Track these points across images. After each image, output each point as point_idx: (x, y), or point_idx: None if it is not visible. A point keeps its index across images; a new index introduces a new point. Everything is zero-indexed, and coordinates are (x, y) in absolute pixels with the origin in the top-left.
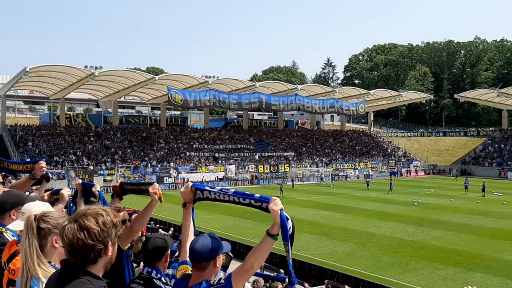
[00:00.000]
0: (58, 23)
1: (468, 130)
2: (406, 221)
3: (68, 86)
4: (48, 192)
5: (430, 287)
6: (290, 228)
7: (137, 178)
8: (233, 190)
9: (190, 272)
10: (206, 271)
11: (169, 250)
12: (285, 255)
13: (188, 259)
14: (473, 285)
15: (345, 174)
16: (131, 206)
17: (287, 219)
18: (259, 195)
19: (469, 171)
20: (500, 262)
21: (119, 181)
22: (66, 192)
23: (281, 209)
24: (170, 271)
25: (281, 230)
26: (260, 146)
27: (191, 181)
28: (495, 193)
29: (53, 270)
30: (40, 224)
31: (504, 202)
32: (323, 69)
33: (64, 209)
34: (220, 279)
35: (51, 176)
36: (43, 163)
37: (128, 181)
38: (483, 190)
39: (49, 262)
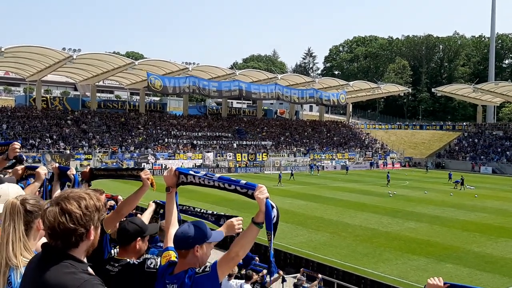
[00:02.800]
0: (36, 3)
1: (444, 124)
2: (381, 212)
3: (45, 68)
4: (22, 167)
5: (403, 277)
6: (274, 217)
7: (114, 164)
8: (218, 175)
9: (174, 259)
10: (187, 259)
11: (145, 237)
12: (267, 244)
13: (172, 245)
14: (444, 276)
15: (318, 165)
16: (109, 191)
17: (272, 207)
18: (244, 182)
19: (443, 164)
20: (470, 254)
21: (89, 166)
22: (43, 171)
23: (266, 197)
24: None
25: (265, 219)
26: (240, 134)
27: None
28: (467, 187)
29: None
30: (27, 207)
31: (476, 196)
32: (304, 59)
33: (39, 189)
34: (205, 267)
35: (25, 159)
36: (17, 144)
37: (105, 167)
38: (461, 183)
39: None
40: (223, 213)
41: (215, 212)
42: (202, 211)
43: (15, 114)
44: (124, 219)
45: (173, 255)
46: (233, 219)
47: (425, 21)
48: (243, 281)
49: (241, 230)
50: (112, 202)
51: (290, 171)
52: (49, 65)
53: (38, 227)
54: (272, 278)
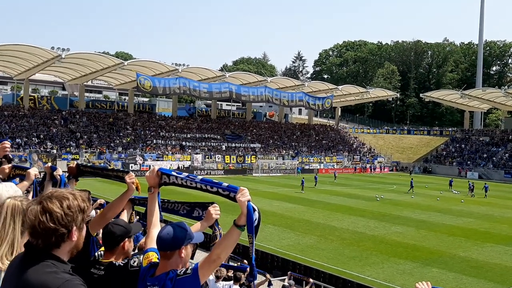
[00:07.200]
0: (25, 2)
1: (431, 129)
2: (368, 216)
3: (33, 67)
4: (9, 165)
5: (389, 281)
6: (256, 220)
7: (102, 164)
8: (200, 177)
9: (156, 260)
10: (171, 260)
11: (131, 237)
12: (249, 246)
13: (153, 247)
14: (429, 281)
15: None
16: (96, 192)
17: (254, 210)
18: (227, 184)
19: (429, 169)
20: (456, 258)
21: (75, 162)
22: (33, 172)
23: (248, 200)
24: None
25: (246, 222)
26: (233, 139)
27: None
28: (454, 192)
29: None
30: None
31: (463, 201)
32: (293, 62)
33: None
34: (187, 269)
35: (13, 158)
36: (7, 143)
37: (91, 165)
38: (472, 190)
39: None
40: (196, 202)
41: (187, 202)
42: (172, 206)
43: (1, 113)
44: (112, 221)
45: (154, 257)
46: (210, 208)
47: (415, 27)
48: (231, 282)
49: (219, 215)
50: (102, 201)
51: (314, 178)
52: (38, 64)
53: None
54: (257, 282)
